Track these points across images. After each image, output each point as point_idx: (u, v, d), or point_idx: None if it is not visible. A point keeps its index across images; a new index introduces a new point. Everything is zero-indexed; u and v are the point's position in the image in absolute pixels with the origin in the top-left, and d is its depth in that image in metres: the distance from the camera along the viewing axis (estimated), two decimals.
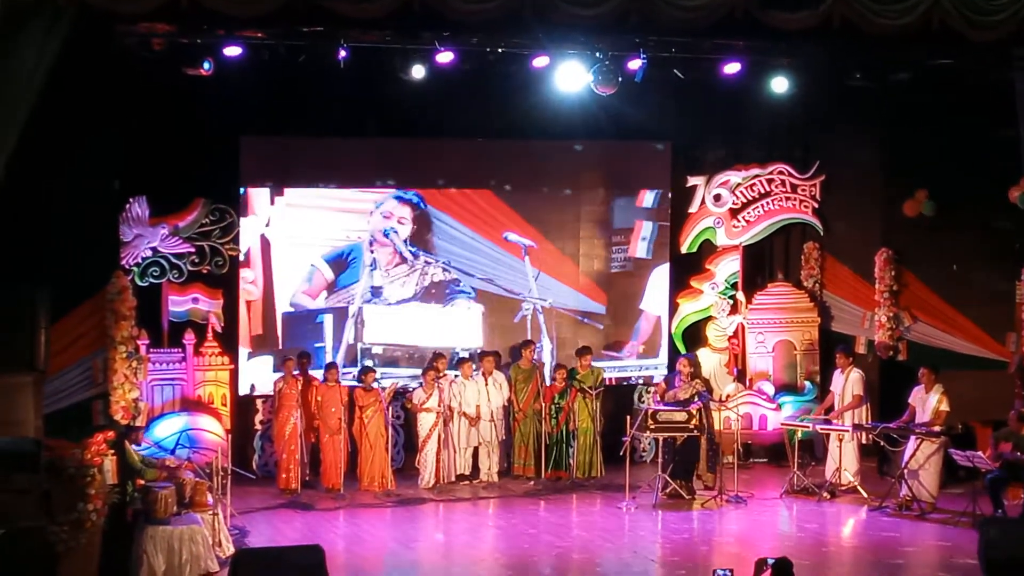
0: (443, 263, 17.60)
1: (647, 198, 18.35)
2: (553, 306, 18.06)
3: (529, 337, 17.65)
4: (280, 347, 16.90)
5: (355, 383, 16.39)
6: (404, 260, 17.46)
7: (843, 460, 15.96)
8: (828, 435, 16.31)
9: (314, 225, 17.16)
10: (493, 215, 17.84)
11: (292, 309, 17.08)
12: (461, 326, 17.76)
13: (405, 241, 17.40)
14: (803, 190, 18.48)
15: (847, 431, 15.91)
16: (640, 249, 18.40)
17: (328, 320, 17.19)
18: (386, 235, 17.32)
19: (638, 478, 16.14)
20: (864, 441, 16.15)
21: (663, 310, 18.46)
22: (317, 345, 17.02)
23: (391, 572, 13.25)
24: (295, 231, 17.04)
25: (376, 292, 17.41)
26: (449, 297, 17.69)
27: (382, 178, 17.47)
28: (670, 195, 18.37)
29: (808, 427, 16.62)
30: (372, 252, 17.34)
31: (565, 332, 18.04)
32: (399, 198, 17.42)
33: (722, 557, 13.61)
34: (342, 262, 17.29)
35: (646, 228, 18.39)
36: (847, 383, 16.23)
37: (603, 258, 18.36)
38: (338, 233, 17.28)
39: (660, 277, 18.46)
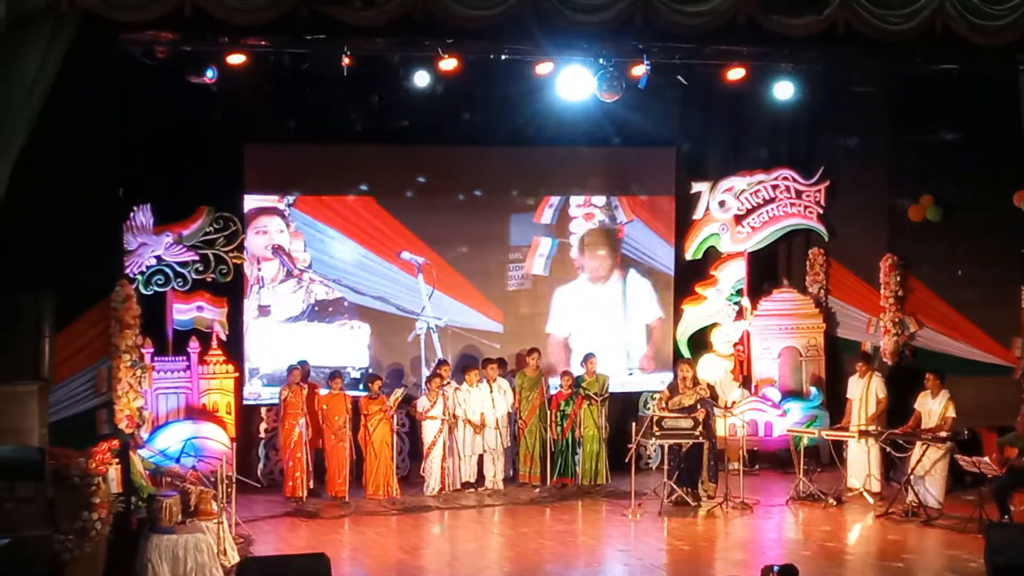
0: (333, 280, 17.15)
1: (546, 214, 17.93)
2: (448, 325, 17.58)
3: (423, 356, 17.28)
4: None
5: (362, 391, 16.39)
6: (290, 276, 17.08)
7: (871, 466, 16.00)
8: (846, 442, 16.27)
9: None
10: (386, 232, 17.32)
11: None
12: (348, 346, 17.21)
13: (290, 255, 17.02)
14: (808, 196, 18.43)
15: (853, 436, 15.93)
16: (537, 266, 17.94)
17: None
18: (274, 253, 16.98)
19: (644, 485, 16.09)
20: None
21: (569, 331, 18.01)
22: None
23: None
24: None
25: (264, 310, 17.03)
26: (331, 317, 17.19)
27: (386, 186, 17.41)
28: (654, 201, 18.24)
29: (814, 433, 16.62)
30: (259, 270, 16.96)
31: (460, 352, 17.45)
32: (263, 209, 16.92)
33: (728, 564, 13.58)
34: None
35: (544, 244, 17.95)
36: (870, 388, 16.22)
37: (499, 276, 17.84)
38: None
39: (565, 297, 18.02)
